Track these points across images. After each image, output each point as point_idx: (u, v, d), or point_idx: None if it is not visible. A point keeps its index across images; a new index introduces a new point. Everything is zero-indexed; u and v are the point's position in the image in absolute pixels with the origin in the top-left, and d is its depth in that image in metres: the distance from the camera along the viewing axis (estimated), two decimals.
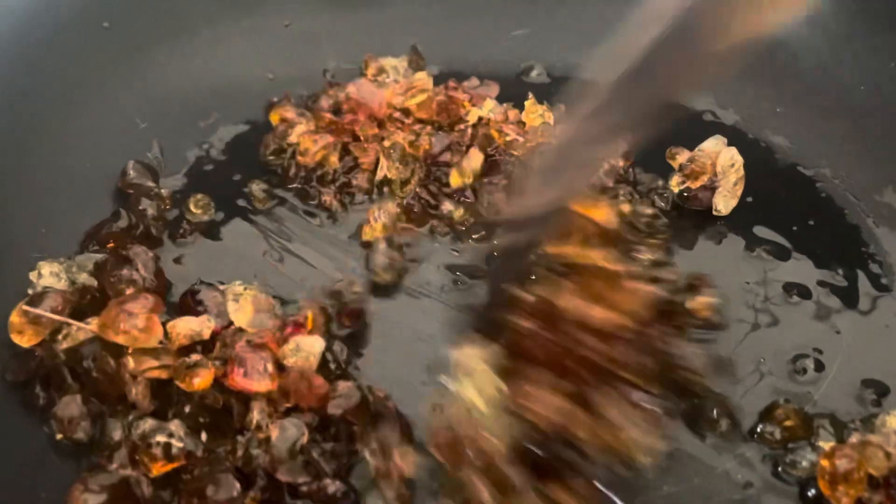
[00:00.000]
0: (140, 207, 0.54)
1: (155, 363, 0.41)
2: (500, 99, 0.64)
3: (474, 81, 0.66)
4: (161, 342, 0.42)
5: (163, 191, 0.56)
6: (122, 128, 0.60)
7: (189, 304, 0.46)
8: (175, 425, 0.40)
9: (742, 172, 0.57)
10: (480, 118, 0.60)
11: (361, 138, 0.60)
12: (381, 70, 0.66)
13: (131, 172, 0.56)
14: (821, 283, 0.54)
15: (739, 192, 0.57)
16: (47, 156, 0.56)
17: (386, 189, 0.58)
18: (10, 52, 0.57)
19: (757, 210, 0.58)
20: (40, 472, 0.42)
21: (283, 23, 0.68)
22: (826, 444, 0.43)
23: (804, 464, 0.44)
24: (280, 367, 0.44)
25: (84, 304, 0.47)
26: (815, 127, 0.64)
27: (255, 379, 0.42)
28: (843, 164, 0.61)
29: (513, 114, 0.62)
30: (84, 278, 0.48)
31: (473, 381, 0.41)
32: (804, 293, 0.53)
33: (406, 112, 0.62)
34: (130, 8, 0.62)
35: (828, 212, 0.58)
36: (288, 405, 0.43)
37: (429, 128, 0.61)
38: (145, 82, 0.62)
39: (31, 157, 0.55)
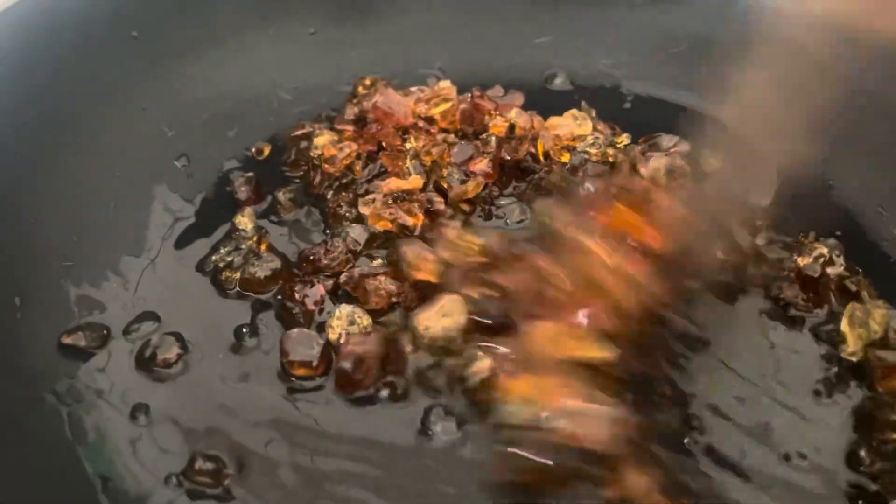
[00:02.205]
0: None
1: None
2: (525, 107, 0.64)
3: (499, 90, 0.66)
4: None
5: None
6: (151, 137, 0.60)
7: None
8: None
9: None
10: (513, 126, 0.60)
11: (387, 147, 0.60)
12: None
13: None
14: None
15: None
16: (77, 165, 0.56)
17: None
18: (39, 63, 0.57)
19: (781, 220, 0.58)
20: None
21: (309, 31, 0.69)
22: None
23: None
24: None
25: None
26: (841, 136, 0.63)
27: None
28: (871, 174, 0.60)
29: (537, 121, 0.62)
30: None
31: None
32: None
33: (430, 121, 0.62)
34: (158, 18, 0.63)
35: (854, 223, 0.58)
36: None
37: (451, 136, 0.61)
38: (173, 92, 0.62)
39: (60, 167, 0.56)
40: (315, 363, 0.48)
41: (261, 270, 0.53)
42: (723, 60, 0.69)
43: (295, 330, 0.49)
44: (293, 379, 0.48)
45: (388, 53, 0.69)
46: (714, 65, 0.69)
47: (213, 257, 0.55)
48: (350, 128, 0.62)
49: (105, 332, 0.50)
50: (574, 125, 0.61)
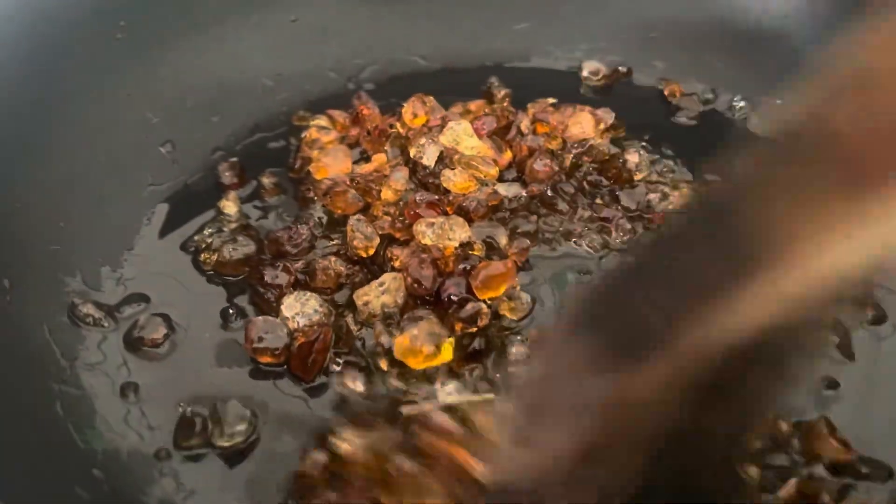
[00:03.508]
0: None
1: None
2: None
3: None
4: None
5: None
6: (135, 123, 0.61)
7: None
8: None
9: None
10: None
11: (371, 132, 0.62)
12: None
13: None
14: None
15: None
16: (61, 150, 0.57)
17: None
18: (24, 50, 0.58)
19: None
20: None
21: (290, 18, 0.70)
22: None
23: None
24: None
25: None
26: None
27: None
28: None
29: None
30: None
31: None
32: None
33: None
34: (140, 6, 0.63)
35: None
36: None
37: None
38: (156, 79, 0.63)
39: (45, 152, 0.56)
40: (279, 351, 0.48)
41: (235, 254, 0.53)
42: (699, 45, 0.71)
43: (260, 318, 0.49)
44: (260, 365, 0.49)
45: (370, 40, 0.70)
46: (690, 49, 0.71)
47: (196, 237, 0.56)
48: (343, 118, 0.64)
49: (94, 313, 0.51)
50: (589, 128, 0.62)
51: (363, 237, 0.53)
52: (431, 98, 0.64)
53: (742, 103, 0.67)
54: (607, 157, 0.60)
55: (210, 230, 0.56)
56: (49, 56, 0.58)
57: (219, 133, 0.63)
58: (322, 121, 0.63)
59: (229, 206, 0.58)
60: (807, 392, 0.48)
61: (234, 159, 0.61)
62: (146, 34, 0.63)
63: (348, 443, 0.42)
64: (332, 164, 0.59)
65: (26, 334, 0.48)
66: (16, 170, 0.54)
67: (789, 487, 0.42)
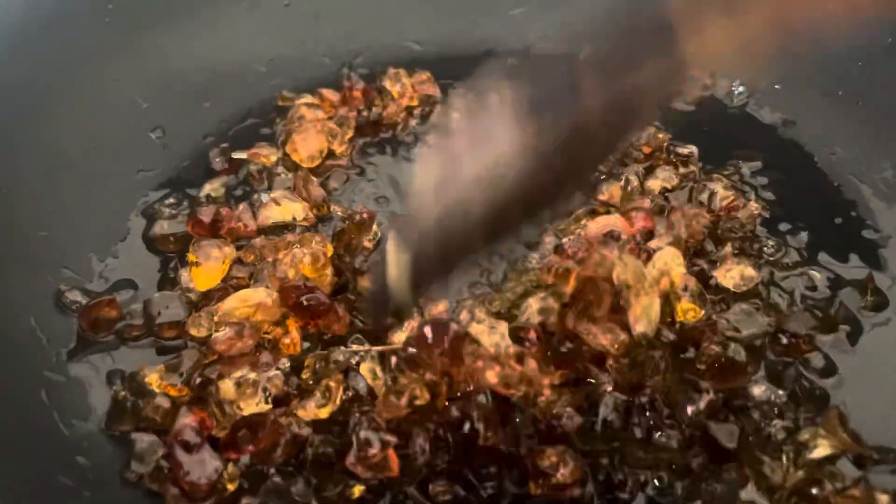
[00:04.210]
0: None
1: None
2: None
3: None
4: None
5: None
6: (125, 108, 0.60)
7: None
8: None
9: None
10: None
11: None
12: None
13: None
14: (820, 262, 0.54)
15: None
16: (50, 136, 0.56)
17: None
18: (14, 34, 0.57)
19: (756, 184, 0.59)
20: None
21: (283, 3, 0.69)
22: None
23: None
24: None
25: None
26: (813, 103, 0.64)
27: None
28: (840, 139, 0.61)
29: None
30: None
31: None
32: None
33: None
34: None
35: (825, 186, 0.59)
36: None
37: None
38: (146, 64, 0.62)
39: (34, 138, 0.56)
40: (183, 322, 0.48)
41: (161, 230, 0.54)
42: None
43: (157, 294, 0.50)
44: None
45: (363, 25, 0.69)
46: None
47: (157, 205, 0.56)
48: (334, 97, 0.63)
49: (81, 300, 0.50)
50: None
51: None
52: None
53: (741, 89, 0.66)
54: (665, 144, 0.60)
55: (171, 200, 0.56)
56: (37, 40, 0.57)
57: (210, 119, 0.63)
58: (309, 98, 0.62)
59: (215, 189, 0.57)
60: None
61: (226, 145, 0.60)
62: (136, 18, 0.62)
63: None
64: (303, 144, 0.58)
65: (12, 321, 0.48)
66: (3, 155, 0.53)
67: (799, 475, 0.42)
